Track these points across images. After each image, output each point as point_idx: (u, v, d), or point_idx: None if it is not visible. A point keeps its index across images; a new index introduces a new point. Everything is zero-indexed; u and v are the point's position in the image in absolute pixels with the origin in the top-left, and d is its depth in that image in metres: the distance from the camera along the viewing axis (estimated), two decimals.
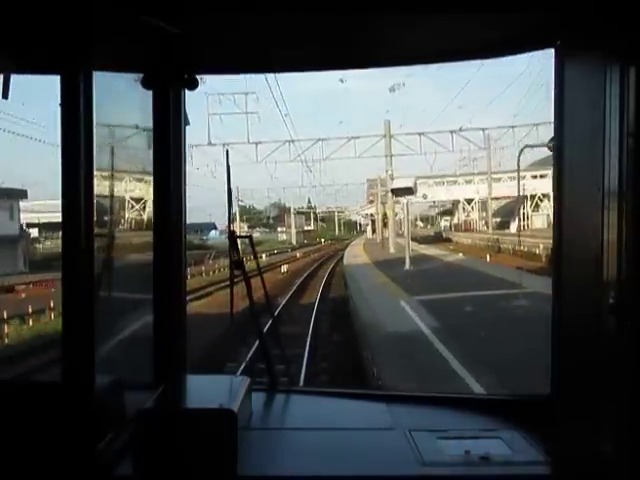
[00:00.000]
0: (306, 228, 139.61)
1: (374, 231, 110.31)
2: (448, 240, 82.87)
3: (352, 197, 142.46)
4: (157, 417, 2.69)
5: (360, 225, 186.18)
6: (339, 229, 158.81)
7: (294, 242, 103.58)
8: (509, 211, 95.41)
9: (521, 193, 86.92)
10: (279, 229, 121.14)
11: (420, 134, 58.72)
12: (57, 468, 2.55)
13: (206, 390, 3.17)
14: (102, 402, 2.66)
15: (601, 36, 2.39)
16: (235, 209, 69.39)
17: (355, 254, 58.43)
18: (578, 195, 2.67)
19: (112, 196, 3.16)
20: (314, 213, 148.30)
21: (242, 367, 15.34)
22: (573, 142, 2.72)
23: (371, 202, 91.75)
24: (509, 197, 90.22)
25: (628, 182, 2.26)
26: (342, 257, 60.79)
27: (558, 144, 2.82)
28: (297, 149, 60.18)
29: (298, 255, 65.63)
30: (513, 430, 2.96)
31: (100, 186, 2.82)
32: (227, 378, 3.62)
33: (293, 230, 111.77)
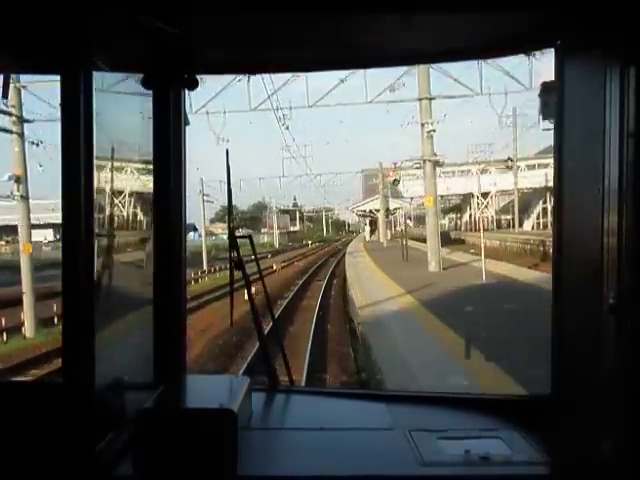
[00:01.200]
0: (291, 229, 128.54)
1: (373, 232, 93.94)
2: (460, 241, 70.14)
3: (344, 192, 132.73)
4: (157, 417, 2.69)
5: (349, 225, 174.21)
6: (327, 229, 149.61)
7: (276, 245, 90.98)
8: (521, 207, 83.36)
9: (541, 184, 73.17)
10: (263, 230, 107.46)
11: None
12: (57, 468, 2.55)
13: (206, 390, 3.18)
14: (102, 402, 2.66)
15: (601, 36, 2.39)
16: (201, 207, 59.86)
17: (364, 271, 35.64)
18: (578, 195, 2.67)
19: (112, 196, 3.15)
20: (300, 212, 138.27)
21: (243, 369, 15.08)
22: (573, 142, 2.72)
23: (394, 190, 75.78)
24: (527, 190, 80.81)
25: (628, 182, 2.26)
26: (335, 270, 45.99)
27: (558, 144, 2.82)
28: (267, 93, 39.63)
29: (275, 267, 45.71)
30: (513, 430, 2.96)
31: (100, 186, 2.82)
32: (227, 378, 3.62)
33: (275, 231, 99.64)
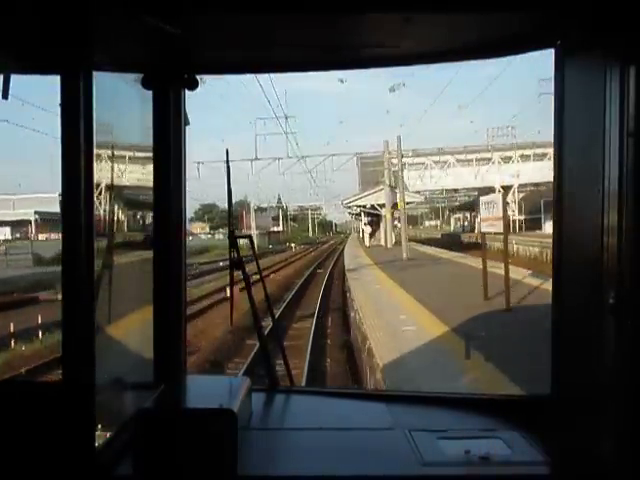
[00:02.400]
0: (274, 229, 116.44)
1: (373, 234, 69.85)
2: (477, 246, 50.77)
3: (333, 187, 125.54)
4: (157, 417, 2.69)
5: (336, 225, 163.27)
6: (313, 230, 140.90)
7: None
8: (540, 204, 68.67)
9: None
10: (243, 231, 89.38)
11: None
12: (57, 468, 2.55)
13: (206, 390, 3.18)
14: (102, 402, 2.66)
15: (601, 36, 2.39)
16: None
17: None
18: (578, 195, 2.67)
19: (112, 195, 3.15)
20: (283, 210, 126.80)
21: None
22: (573, 142, 2.72)
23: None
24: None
25: (628, 182, 2.26)
26: (326, 301, 28.08)
27: (558, 144, 2.82)
28: None
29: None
30: (513, 430, 2.96)
31: (100, 186, 2.82)
32: (227, 378, 3.62)
33: (254, 232, 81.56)
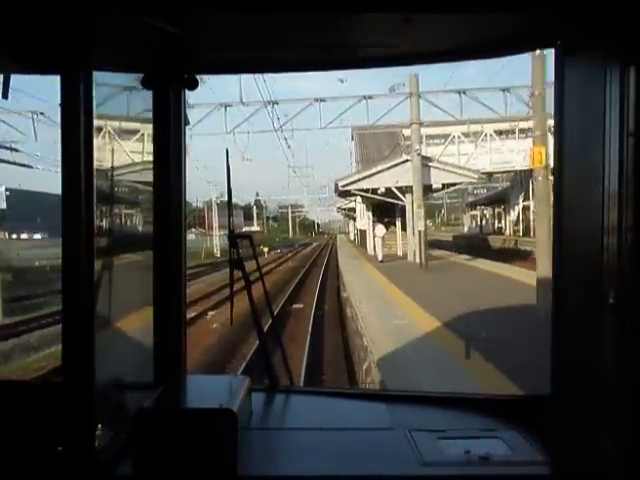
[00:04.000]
0: (249, 229, 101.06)
1: (383, 239, 38.12)
2: (518, 254, 40.55)
3: (317, 176, 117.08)
4: (157, 417, 2.69)
5: (318, 225, 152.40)
6: (294, 230, 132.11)
7: (217, 253, 62.69)
8: None
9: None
10: (210, 232, 73.20)
11: None
12: (57, 468, 2.55)
13: (206, 390, 3.18)
14: (102, 402, 2.66)
15: (601, 36, 2.39)
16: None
17: None
18: (578, 195, 2.67)
19: (112, 195, 3.15)
20: (258, 207, 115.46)
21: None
22: (573, 142, 2.72)
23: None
24: None
25: (628, 182, 2.26)
26: None
27: (558, 144, 2.82)
28: None
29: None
30: (513, 430, 2.96)
31: (100, 185, 2.81)
32: (227, 378, 3.62)
33: (216, 233, 67.96)
